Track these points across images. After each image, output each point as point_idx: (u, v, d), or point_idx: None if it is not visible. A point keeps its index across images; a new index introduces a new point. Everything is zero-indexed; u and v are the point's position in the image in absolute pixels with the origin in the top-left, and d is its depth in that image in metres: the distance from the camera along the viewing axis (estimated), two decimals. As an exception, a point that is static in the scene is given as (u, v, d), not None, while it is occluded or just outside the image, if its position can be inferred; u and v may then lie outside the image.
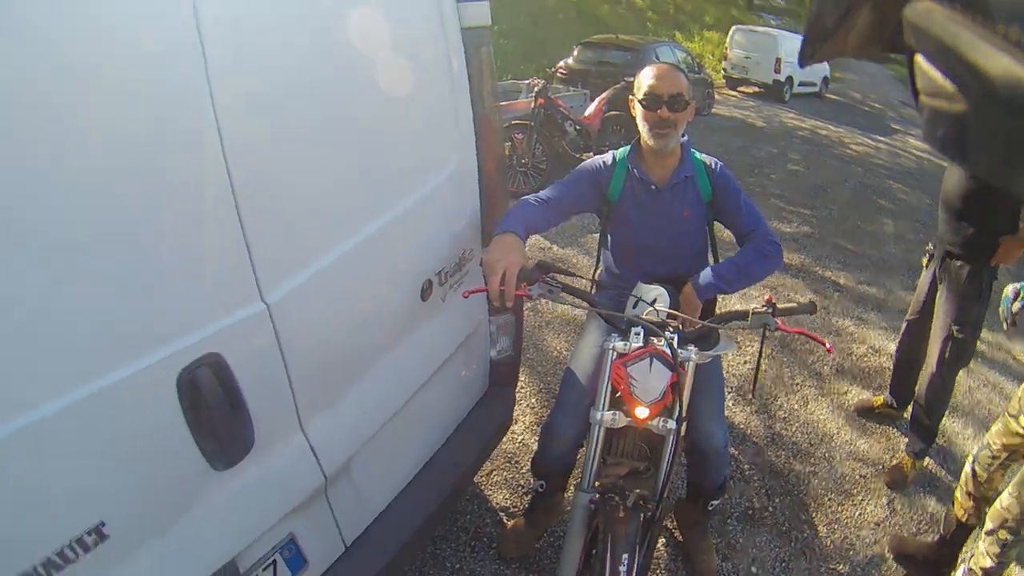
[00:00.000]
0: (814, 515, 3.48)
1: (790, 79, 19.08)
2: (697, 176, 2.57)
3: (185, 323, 1.43)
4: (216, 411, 1.50)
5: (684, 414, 2.14)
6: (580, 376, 2.56)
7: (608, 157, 2.64)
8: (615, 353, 2.16)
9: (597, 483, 2.23)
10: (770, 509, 3.46)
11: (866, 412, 4.37)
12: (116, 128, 1.22)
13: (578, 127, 9.09)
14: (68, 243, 1.19)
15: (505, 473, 3.50)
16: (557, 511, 3.03)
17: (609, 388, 2.18)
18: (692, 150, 2.61)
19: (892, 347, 5.05)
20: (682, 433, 2.15)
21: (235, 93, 1.42)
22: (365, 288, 1.97)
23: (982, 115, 0.40)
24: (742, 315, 2.19)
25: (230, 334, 1.51)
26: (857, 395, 4.60)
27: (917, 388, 3.73)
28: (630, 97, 2.52)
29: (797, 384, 4.68)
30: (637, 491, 2.18)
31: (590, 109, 9.54)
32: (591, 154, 9.29)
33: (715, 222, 2.69)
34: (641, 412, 2.08)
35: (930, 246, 3.66)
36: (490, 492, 3.37)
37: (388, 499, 2.29)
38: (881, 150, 14.29)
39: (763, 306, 2.17)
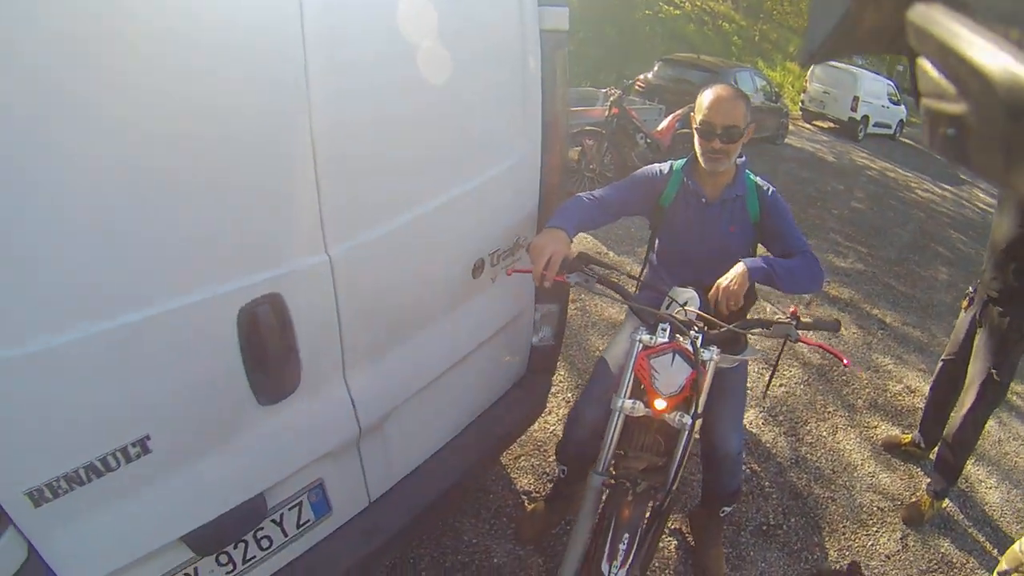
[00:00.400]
0: (827, 539, 3.49)
1: (866, 118, 18.65)
2: (748, 197, 2.59)
3: (253, 262, 1.52)
4: (270, 348, 1.59)
5: (700, 411, 2.17)
6: (611, 367, 2.63)
7: (666, 166, 2.68)
8: (641, 345, 2.23)
9: (612, 469, 2.32)
10: (784, 527, 3.48)
11: (892, 448, 4.35)
12: (216, 75, 1.32)
13: (648, 140, 9.06)
14: (166, 174, 1.29)
15: (533, 460, 3.58)
16: (576, 500, 3.04)
17: (632, 378, 2.24)
18: (747, 172, 2.63)
19: (928, 389, 5.04)
20: (696, 430, 2.19)
21: (327, 57, 1.51)
22: (421, 257, 2.06)
23: (982, 116, 0.41)
24: (765, 324, 2.24)
25: (292, 279, 1.60)
26: (886, 431, 4.57)
27: (947, 428, 3.72)
28: (691, 114, 2.55)
29: (829, 412, 4.66)
30: (647, 481, 2.26)
31: (663, 124, 9.48)
32: (657, 169, 9.31)
33: (760, 244, 2.71)
34: (659, 404, 2.16)
35: (971, 289, 3.66)
36: (516, 475, 3.45)
37: (415, 464, 2.38)
38: (947, 199, 13.91)
39: (787, 318, 2.22)
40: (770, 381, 2.59)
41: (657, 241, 2.82)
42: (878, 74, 22.01)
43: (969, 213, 13.11)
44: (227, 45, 1.33)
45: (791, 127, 16.62)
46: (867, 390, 5.08)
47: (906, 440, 4.34)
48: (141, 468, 1.43)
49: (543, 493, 3.33)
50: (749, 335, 2.32)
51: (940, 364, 3.93)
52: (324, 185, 1.61)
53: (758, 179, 2.65)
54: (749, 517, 3.49)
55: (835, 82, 18.38)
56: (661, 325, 2.25)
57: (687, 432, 2.17)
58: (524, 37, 2.26)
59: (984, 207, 13.73)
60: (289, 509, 1.90)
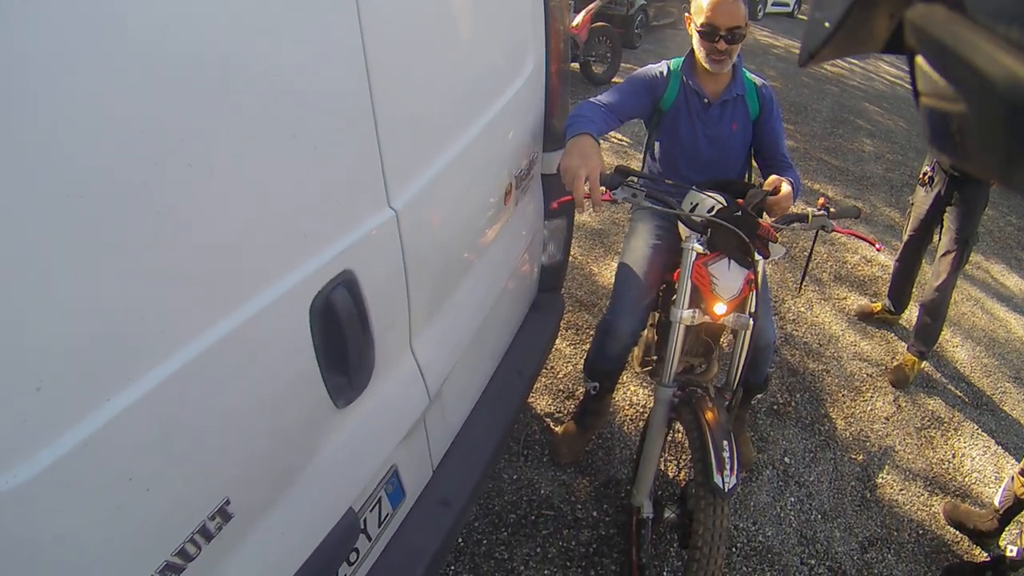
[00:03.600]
0: (831, 410, 3.51)
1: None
2: (748, 95, 2.53)
3: (320, 237, 1.17)
4: (349, 340, 1.24)
5: (756, 309, 2.12)
6: (637, 273, 2.50)
7: (663, 67, 2.56)
8: (695, 254, 2.13)
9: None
10: (793, 404, 3.48)
11: (866, 317, 4.42)
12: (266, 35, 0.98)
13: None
14: (213, 143, 0.90)
15: (543, 380, 3.42)
16: (605, 413, 2.99)
17: (689, 287, 2.14)
18: (744, 69, 2.55)
19: (882, 258, 5.15)
20: (750, 326, 2.14)
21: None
22: (467, 191, 1.78)
23: (982, 116, 0.39)
24: (802, 218, 2.18)
25: (362, 247, 1.26)
26: (855, 301, 4.62)
27: (923, 296, 3.78)
28: (687, 15, 2.44)
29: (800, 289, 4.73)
30: (715, 383, 2.21)
31: (577, 20, 9.08)
32: (577, 64, 9.10)
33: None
34: (720, 308, 2.10)
35: (927, 169, 3.67)
36: (532, 400, 3.27)
37: (466, 415, 2.11)
38: (855, 72, 14.01)
39: (819, 209, 2.18)
40: (804, 274, 2.53)
41: (657, 145, 2.68)
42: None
43: (879, 85, 13.25)
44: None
45: (694, 11, 16.37)
46: (829, 264, 5.12)
47: (877, 308, 4.40)
48: (225, 540, 1.09)
49: (564, 413, 3.20)
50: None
51: (906, 238, 3.94)
52: (383, 126, 1.26)
53: (754, 76, 2.59)
54: (761, 399, 3.48)
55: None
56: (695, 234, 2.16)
57: (749, 330, 2.12)
58: None
59: (891, 79, 13.93)
60: (371, 511, 1.58)
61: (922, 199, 3.74)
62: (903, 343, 4.19)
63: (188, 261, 0.90)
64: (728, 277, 2.08)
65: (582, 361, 3.30)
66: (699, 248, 2.12)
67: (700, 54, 2.41)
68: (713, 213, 2.08)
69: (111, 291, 0.80)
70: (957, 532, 3.05)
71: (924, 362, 3.92)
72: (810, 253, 2.47)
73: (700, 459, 1.96)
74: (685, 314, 2.15)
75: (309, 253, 1.13)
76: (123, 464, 0.86)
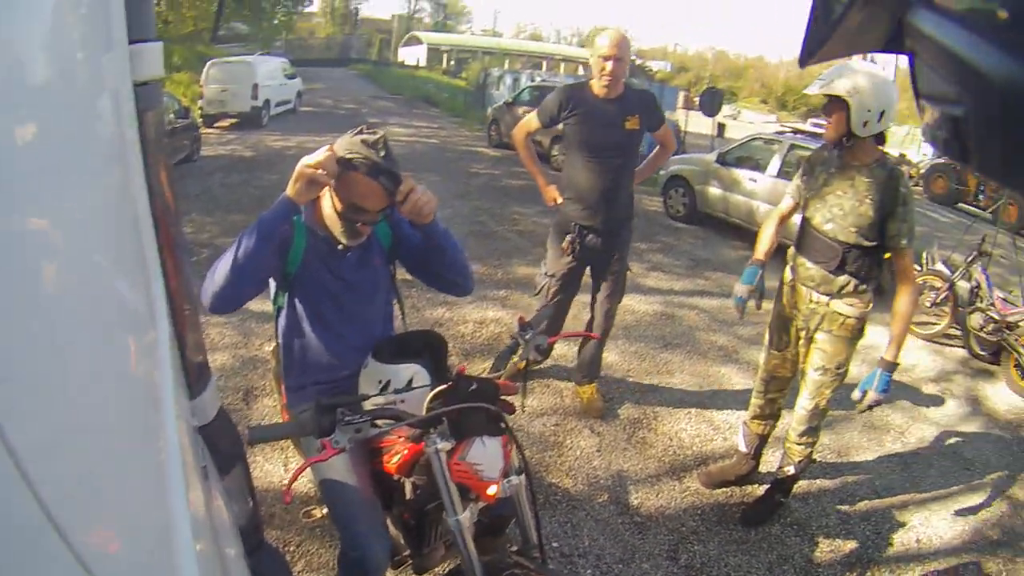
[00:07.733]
0: (563, 481, 3.53)
1: (267, 102, 18.30)
2: (377, 227, 2.31)
3: None
4: None
5: (524, 462, 1.99)
6: (352, 485, 2.14)
7: None
8: (444, 454, 1.84)
9: None
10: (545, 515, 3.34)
11: (516, 376, 4.03)
12: None
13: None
14: None
15: None
16: None
17: (453, 489, 1.86)
18: None
19: (492, 314, 5.39)
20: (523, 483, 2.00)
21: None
22: None
23: (982, 116, 0.40)
24: (514, 348, 2.13)
25: None
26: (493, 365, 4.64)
27: (596, 327, 4.03)
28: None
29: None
30: (515, 555, 2.05)
31: None
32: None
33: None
34: (492, 490, 1.89)
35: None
36: None
37: None
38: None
39: (521, 329, 2.13)
40: (524, 395, 2.32)
41: (297, 306, 2.35)
42: (270, 54, 22.96)
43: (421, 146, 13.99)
44: None
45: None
46: (455, 344, 5.17)
47: (521, 365, 4.42)
48: None
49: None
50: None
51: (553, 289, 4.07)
52: None
53: None
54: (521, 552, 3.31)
55: (232, 77, 17.58)
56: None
57: (525, 487, 2.00)
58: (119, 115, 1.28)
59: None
60: None
61: (564, 263, 3.88)
62: (561, 380, 4.47)
63: None
64: (488, 455, 1.88)
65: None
66: (446, 445, 1.85)
67: (335, 229, 2.19)
68: (439, 394, 1.87)
69: None
70: (726, 489, 3.40)
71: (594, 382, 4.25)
72: (524, 384, 2.27)
73: None
74: (463, 517, 1.87)
75: None
76: None
